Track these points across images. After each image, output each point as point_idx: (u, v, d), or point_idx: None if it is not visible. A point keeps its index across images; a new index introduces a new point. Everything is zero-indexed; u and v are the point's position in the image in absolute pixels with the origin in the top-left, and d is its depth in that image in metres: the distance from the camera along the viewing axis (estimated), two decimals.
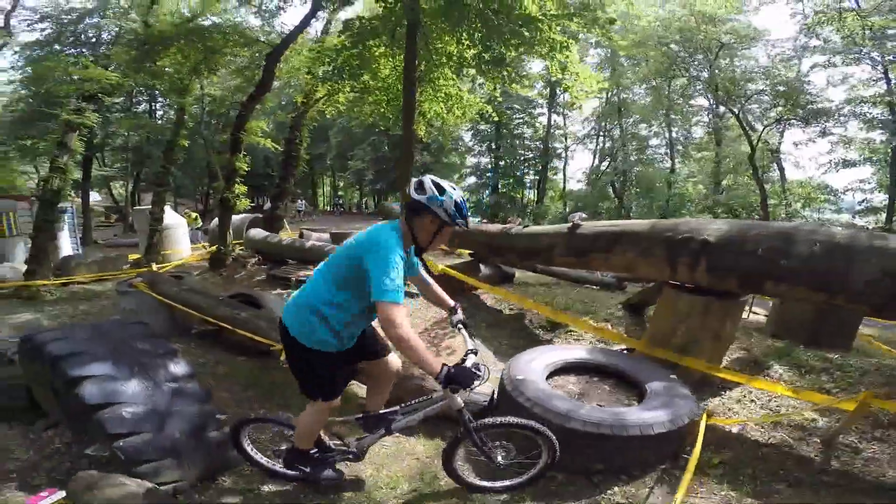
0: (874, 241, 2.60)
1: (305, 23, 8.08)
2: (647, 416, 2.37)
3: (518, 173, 30.72)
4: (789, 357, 3.68)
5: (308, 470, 2.29)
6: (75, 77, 8.23)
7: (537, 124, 29.46)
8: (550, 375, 2.86)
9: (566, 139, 30.84)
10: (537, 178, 30.42)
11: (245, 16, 9.12)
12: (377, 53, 6.59)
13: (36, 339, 2.52)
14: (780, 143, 20.25)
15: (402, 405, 2.28)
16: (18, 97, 16.83)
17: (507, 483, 2.35)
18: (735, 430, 2.85)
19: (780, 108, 18.49)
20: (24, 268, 7.88)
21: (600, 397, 2.76)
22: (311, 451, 2.30)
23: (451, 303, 2.36)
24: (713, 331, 3.25)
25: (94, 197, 25.71)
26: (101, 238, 18.21)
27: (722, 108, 20.51)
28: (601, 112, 27.99)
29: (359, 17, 6.25)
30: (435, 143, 19.52)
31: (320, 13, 8.24)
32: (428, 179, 2.01)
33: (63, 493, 1.98)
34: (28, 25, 17.00)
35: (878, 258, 2.51)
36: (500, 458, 2.20)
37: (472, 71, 6.44)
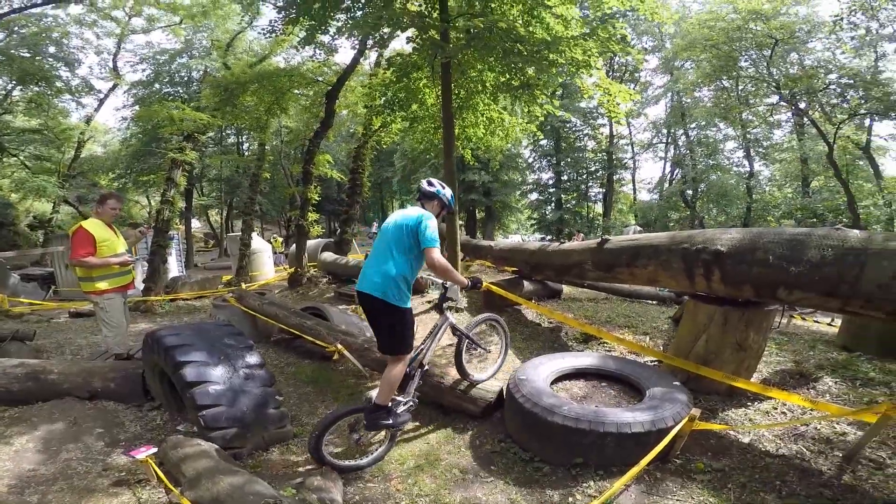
0: (889, 243, 2.46)
1: (354, 63, 9.02)
2: (627, 416, 2.55)
3: (582, 187, 30.14)
4: (845, 369, 3.57)
5: (391, 421, 2.86)
6: (175, 118, 9.65)
7: (599, 135, 28.82)
8: (559, 379, 3.15)
9: (632, 148, 29.86)
10: (603, 190, 29.64)
11: (304, 58, 10.27)
12: (421, 85, 7.07)
13: (156, 334, 3.30)
14: (868, 139, 18.10)
15: (422, 344, 3.18)
16: (131, 134, 19.67)
17: (493, 369, 3.70)
18: (747, 439, 2.88)
19: (854, 102, 16.60)
20: (142, 286, 9.41)
21: (602, 400, 3.00)
22: (389, 405, 2.88)
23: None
24: (735, 341, 3.22)
25: (195, 224, 29.00)
26: (200, 261, 20.77)
27: (803, 105, 18.84)
28: (665, 118, 26.90)
29: (398, 54, 6.87)
30: (493, 162, 19.93)
31: (368, 52, 9.20)
32: (434, 180, 3.22)
33: (155, 450, 2.66)
34: (131, 67, 20.18)
35: (891, 261, 2.38)
36: (488, 348, 3.80)
37: (507, 96, 6.79)
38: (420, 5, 6.26)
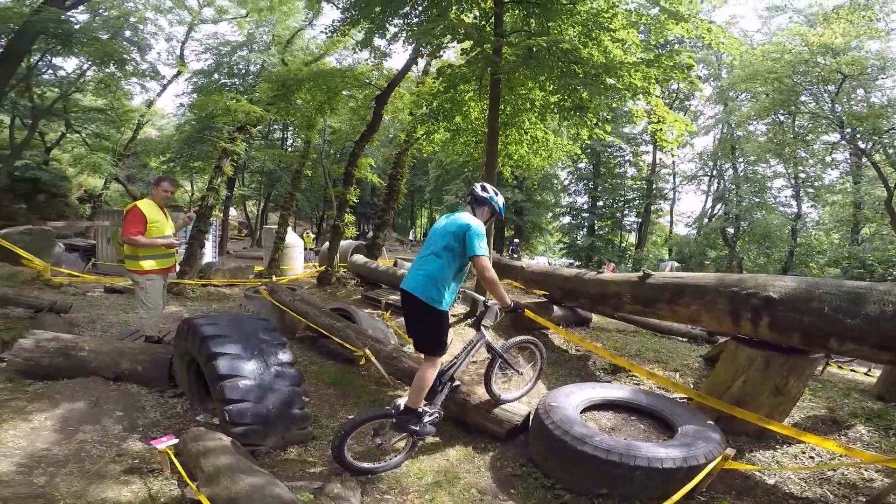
0: None
1: (406, 69, 9.19)
2: (660, 451, 2.50)
3: (618, 215, 29.58)
4: (880, 419, 3.55)
5: (418, 428, 2.84)
6: (231, 109, 10.02)
7: (641, 163, 28.27)
8: (588, 409, 3.08)
9: (675, 179, 29.16)
10: (639, 220, 29.04)
11: (356, 61, 10.44)
12: (467, 97, 7.12)
13: (193, 322, 3.26)
14: None
15: (455, 357, 3.19)
16: (186, 120, 20.60)
17: (522, 392, 3.64)
18: (772, 480, 2.85)
19: None
20: (178, 269, 9.72)
21: (631, 433, 2.92)
22: (420, 411, 2.86)
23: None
24: (773, 385, 3.22)
25: (231, 213, 29.97)
26: (232, 249, 21.33)
27: (864, 145, 17.93)
28: (713, 150, 26.16)
29: (449, 65, 6.94)
30: (528, 181, 19.83)
31: (418, 60, 9.34)
32: (488, 185, 3.15)
33: (176, 440, 2.66)
34: (196, 56, 21.21)
35: None
36: (521, 370, 3.64)
37: (556, 116, 6.74)
38: (475, 18, 6.31)
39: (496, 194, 3.13)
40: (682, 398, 3.96)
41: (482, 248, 2.80)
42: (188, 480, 2.34)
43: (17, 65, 7.98)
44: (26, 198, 16.15)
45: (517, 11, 6.31)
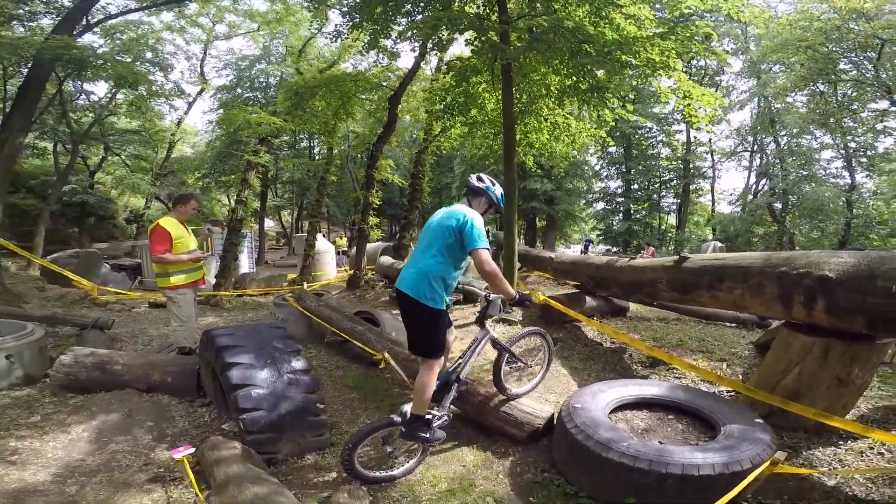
0: None
1: (415, 67, 9.11)
2: (697, 456, 2.24)
3: (654, 197, 28.40)
4: None
5: (427, 435, 2.73)
6: (252, 122, 10.22)
7: (675, 142, 27.03)
8: (619, 409, 2.84)
9: (712, 157, 27.70)
10: (678, 201, 27.77)
11: (370, 64, 10.37)
12: (480, 89, 6.96)
13: (211, 334, 3.35)
14: None
15: (460, 357, 3.06)
16: (216, 136, 21.37)
17: (531, 385, 3.49)
18: (833, 482, 2.53)
19: None
20: (213, 281, 10.01)
21: (667, 434, 2.66)
22: (427, 417, 2.74)
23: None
24: (834, 376, 2.87)
25: (268, 223, 30.89)
26: (270, 259, 21.98)
27: None
28: (752, 124, 24.66)
29: (458, 58, 6.76)
30: (556, 169, 19.24)
31: (428, 56, 9.22)
32: (485, 175, 3.03)
33: (193, 450, 2.66)
34: (217, 72, 22.01)
35: None
36: (529, 363, 3.43)
37: (574, 100, 6.44)
38: (478, 7, 6.12)
39: (493, 184, 2.99)
40: (728, 392, 3.64)
41: (481, 240, 2.67)
42: (196, 490, 2.37)
43: (40, 92, 8.43)
44: (77, 221, 17.19)
45: None
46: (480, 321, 3.15)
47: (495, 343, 3.18)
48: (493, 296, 3.03)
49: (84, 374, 3.90)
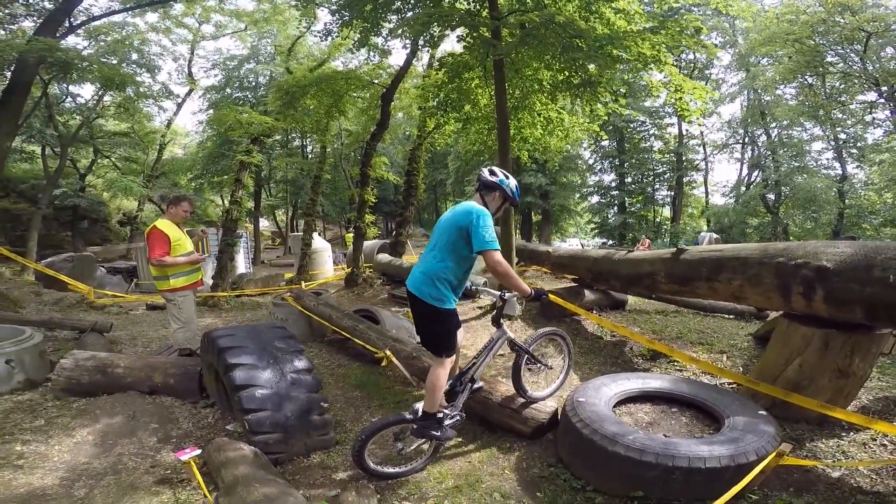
0: None
1: (407, 64, 9.03)
2: (703, 449, 2.26)
3: (648, 190, 28.55)
4: None
5: (439, 434, 2.71)
6: (243, 122, 10.11)
7: (667, 135, 27.17)
8: (622, 402, 2.86)
9: (704, 149, 27.89)
10: (672, 193, 27.94)
11: (361, 62, 10.32)
12: (473, 85, 6.94)
13: (212, 335, 3.36)
14: None
15: (475, 357, 3.01)
16: (207, 137, 21.15)
17: (553, 388, 3.34)
18: (837, 473, 2.54)
19: None
20: (210, 282, 9.96)
21: (671, 428, 2.68)
22: (439, 415, 2.73)
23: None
24: (835, 367, 2.89)
25: (263, 223, 30.69)
26: (266, 258, 21.88)
27: None
28: (742, 117, 24.82)
29: (450, 55, 6.74)
30: (550, 163, 19.28)
31: (420, 53, 9.15)
32: (497, 168, 2.87)
33: (199, 451, 2.66)
34: (205, 72, 21.79)
35: None
36: (550, 363, 3.34)
37: (567, 95, 6.45)
38: (469, 4, 6.10)
39: (507, 177, 2.83)
40: (729, 384, 3.67)
41: (490, 239, 2.54)
42: (205, 491, 2.37)
43: (26, 95, 8.33)
44: (70, 225, 16.98)
45: None
46: (496, 321, 3.05)
47: (513, 344, 3.06)
48: (508, 294, 2.96)
49: (86, 377, 3.89)
